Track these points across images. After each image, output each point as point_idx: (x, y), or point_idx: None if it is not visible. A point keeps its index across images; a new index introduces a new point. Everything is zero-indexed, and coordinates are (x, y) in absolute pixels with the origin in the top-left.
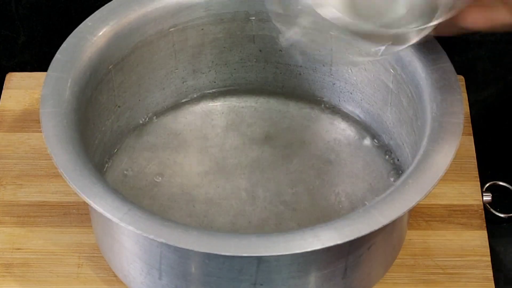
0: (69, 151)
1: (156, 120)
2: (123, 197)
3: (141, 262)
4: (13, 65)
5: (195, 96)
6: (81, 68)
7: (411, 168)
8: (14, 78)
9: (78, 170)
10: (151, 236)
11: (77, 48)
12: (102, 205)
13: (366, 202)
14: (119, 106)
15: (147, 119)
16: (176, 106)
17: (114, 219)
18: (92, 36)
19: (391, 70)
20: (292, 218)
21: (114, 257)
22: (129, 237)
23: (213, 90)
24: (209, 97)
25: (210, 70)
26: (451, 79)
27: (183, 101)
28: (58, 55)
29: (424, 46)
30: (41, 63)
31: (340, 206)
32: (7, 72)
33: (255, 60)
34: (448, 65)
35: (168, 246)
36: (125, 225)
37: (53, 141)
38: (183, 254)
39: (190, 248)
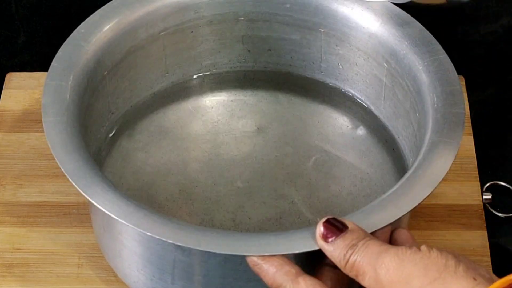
0: (76, 159)
1: (146, 119)
2: (136, 203)
3: (152, 267)
4: (13, 65)
5: (183, 92)
6: (78, 75)
7: (416, 162)
8: (14, 78)
9: (89, 178)
10: (170, 240)
11: (73, 55)
12: (117, 212)
13: (365, 194)
14: (112, 113)
15: (137, 118)
16: (165, 103)
17: (130, 225)
18: (87, 43)
19: (385, 64)
20: (292, 212)
21: (115, 257)
22: (138, 242)
23: (202, 88)
24: (197, 92)
25: (199, 72)
26: (449, 70)
27: (171, 97)
28: (54, 63)
29: (419, 40)
30: (41, 63)
31: (340, 198)
32: (7, 72)
33: (244, 60)
34: (444, 57)
35: (183, 249)
36: (142, 231)
37: (59, 150)
38: (197, 257)
39: (212, 250)
